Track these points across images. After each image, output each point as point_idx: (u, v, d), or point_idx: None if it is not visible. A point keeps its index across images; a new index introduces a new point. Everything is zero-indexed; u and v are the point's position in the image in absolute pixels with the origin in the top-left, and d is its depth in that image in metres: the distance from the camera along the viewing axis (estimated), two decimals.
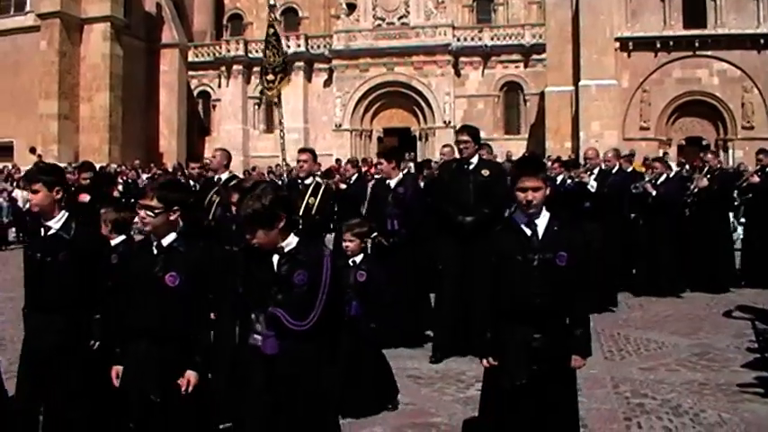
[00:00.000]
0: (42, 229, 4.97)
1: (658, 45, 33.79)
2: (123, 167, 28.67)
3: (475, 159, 8.15)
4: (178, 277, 4.26)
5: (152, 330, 4.25)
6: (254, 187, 4.02)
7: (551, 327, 4.34)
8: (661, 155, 13.31)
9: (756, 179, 12.56)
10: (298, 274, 3.87)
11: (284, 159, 9.27)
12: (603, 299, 10.43)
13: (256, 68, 43.33)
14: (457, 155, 8.80)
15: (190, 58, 42.74)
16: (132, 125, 37.02)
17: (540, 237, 4.33)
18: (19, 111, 34.96)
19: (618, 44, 33.27)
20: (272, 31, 9.50)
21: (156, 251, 4.36)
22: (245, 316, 4.00)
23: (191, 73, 43.03)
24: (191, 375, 4.22)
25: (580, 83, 32.33)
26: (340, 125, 40.69)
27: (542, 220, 4.37)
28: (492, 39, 40.20)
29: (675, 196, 12.31)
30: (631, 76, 34.01)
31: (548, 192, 4.32)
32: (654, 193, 11.81)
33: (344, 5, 42.14)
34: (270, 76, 9.35)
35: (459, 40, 40.26)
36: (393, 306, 6.93)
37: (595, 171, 11.15)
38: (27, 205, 21.45)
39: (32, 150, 33.08)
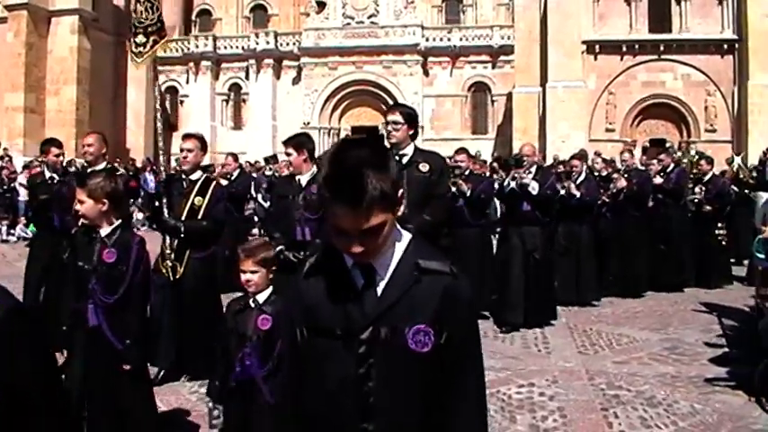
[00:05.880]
0: None
1: (624, 48, 34.39)
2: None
3: (409, 150, 6.23)
4: None
5: None
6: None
7: None
8: (626, 156, 13.00)
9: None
10: (108, 253, 4.61)
11: (162, 150, 7.88)
12: (545, 313, 9.84)
13: (225, 64, 43.30)
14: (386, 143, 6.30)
15: (158, 53, 42.37)
16: (99, 120, 36.57)
17: (379, 292, 2.15)
18: None
19: (585, 47, 33.74)
20: None
21: None
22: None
23: (159, 68, 42.66)
24: None
25: (547, 84, 32.71)
26: (308, 123, 40.63)
27: (387, 257, 2.17)
28: (461, 39, 40.41)
29: (595, 196, 11.77)
30: (598, 78, 34.52)
31: (400, 211, 2.16)
32: (578, 194, 11.24)
33: (314, 3, 42.12)
34: (140, 38, 7.34)
35: (428, 39, 40.47)
36: None
37: (533, 170, 9.85)
38: None
39: None
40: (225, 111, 44.12)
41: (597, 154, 18.01)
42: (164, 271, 6.95)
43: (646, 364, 7.86)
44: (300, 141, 6.89)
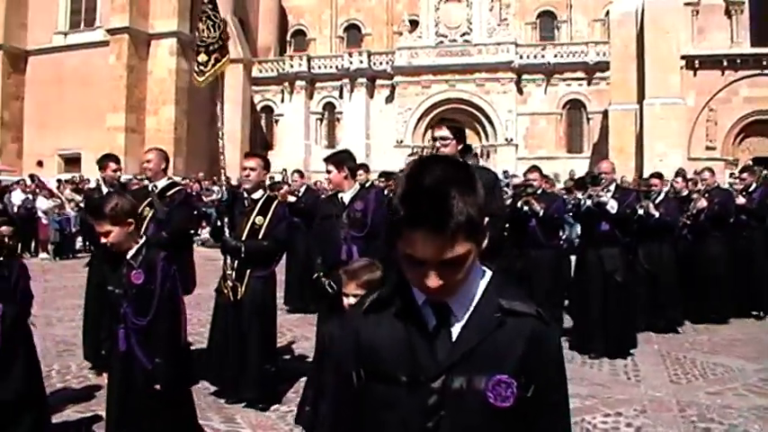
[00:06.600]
0: None
1: (725, 63, 33.40)
2: (187, 180, 29.08)
3: None
4: None
5: None
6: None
7: None
8: (706, 175, 12.36)
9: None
10: (135, 274, 4.40)
11: (223, 168, 7.78)
12: (625, 341, 9.20)
13: (319, 84, 43.78)
14: None
15: (253, 74, 43.23)
16: (196, 139, 37.45)
17: (455, 335, 1.85)
18: (88, 123, 35.64)
19: (684, 62, 32.84)
20: None
21: None
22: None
23: (254, 88, 43.52)
24: None
25: (645, 101, 31.91)
26: (401, 141, 40.82)
27: (466, 296, 1.86)
28: (555, 56, 40.04)
29: (676, 217, 11.18)
30: (697, 94, 33.58)
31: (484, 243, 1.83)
32: (657, 214, 10.68)
33: (407, 22, 42.33)
34: (202, 57, 7.20)
35: (521, 57, 40.21)
36: None
37: (612, 188, 9.49)
38: None
39: None
40: (319, 129, 44.65)
41: (696, 173, 17.40)
42: (225, 291, 6.79)
43: (741, 396, 7.46)
44: (340, 158, 6.76)
